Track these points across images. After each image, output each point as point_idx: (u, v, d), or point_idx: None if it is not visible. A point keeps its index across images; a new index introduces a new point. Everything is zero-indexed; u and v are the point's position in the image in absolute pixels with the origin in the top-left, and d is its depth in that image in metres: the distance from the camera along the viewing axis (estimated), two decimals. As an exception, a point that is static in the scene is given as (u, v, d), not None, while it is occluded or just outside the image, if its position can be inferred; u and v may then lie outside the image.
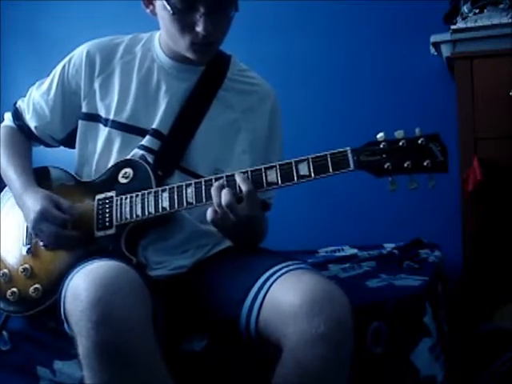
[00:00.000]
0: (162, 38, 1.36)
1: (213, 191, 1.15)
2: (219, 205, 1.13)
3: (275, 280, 1.11)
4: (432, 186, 1.08)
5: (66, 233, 1.27)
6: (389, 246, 1.92)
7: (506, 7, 1.79)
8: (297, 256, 1.43)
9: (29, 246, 1.33)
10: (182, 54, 1.29)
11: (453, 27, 1.82)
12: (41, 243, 1.30)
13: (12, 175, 1.36)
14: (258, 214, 1.18)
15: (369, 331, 1.29)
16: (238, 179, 1.15)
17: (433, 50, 2.02)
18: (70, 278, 1.11)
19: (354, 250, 1.94)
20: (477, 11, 1.82)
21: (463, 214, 1.82)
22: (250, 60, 1.47)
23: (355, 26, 2.27)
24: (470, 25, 1.80)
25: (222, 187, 1.15)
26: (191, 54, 1.26)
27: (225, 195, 1.13)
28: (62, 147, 1.49)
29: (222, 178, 1.17)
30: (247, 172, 1.16)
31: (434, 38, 1.90)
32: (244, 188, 1.14)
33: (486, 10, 1.81)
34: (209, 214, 1.16)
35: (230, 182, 1.16)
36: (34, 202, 1.28)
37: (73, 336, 1.04)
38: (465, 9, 1.85)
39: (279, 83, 1.52)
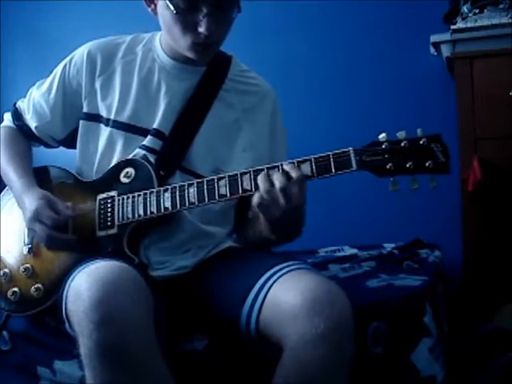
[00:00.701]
0: (163, 38, 1.36)
1: (260, 178, 1.12)
2: (268, 191, 1.11)
3: (276, 280, 1.11)
4: (433, 187, 1.08)
5: (58, 235, 1.26)
6: (389, 246, 1.92)
7: (506, 7, 1.79)
8: (297, 256, 1.43)
9: (30, 246, 1.32)
10: (183, 54, 1.29)
11: (453, 27, 1.83)
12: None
13: (12, 176, 1.36)
14: (304, 203, 1.16)
15: (369, 331, 1.29)
16: (288, 168, 1.12)
17: (433, 50, 2.02)
18: (71, 277, 1.12)
19: (354, 250, 1.94)
20: (477, 11, 1.82)
21: (463, 214, 1.82)
22: (251, 60, 1.46)
23: (355, 26, 2.27)
24: (470, 25, 1.80)
25: (270, 174, 1.12)
26: (192, 53, 1.26)
27: (278, 178, 1.10)
28: (62, 147, 1.49)
29: (224, 177, 1.17)
30: (249, 172, 1.16)
31: (433, 38, 1.90)
32: (296, 174, 1.11)
33: (486, 10, 1.81)
34: (255, 198, 1.13)
35: (232, 182, 1.16)
36: (31, 201, 1.27)
37: (74, 336, 1.04)
38: (465, 9, 1.85)
39: (280, 84, 1.53)
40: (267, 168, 1.14)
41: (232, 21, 1.25)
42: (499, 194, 1.75)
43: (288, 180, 1.11)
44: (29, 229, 1.28)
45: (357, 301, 1.10)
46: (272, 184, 1.11)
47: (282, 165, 1.14)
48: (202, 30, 1.19)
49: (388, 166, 1.09)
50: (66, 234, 1.27)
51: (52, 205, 1.27)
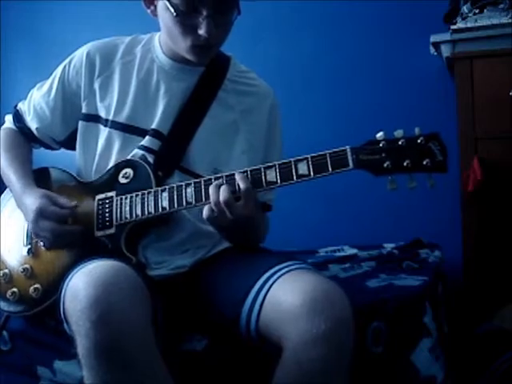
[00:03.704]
0: (162, 39, 1.36)
1: (211, 189, 1.15)
2: (216, 203, 1.14)
3: (276, 280, 1.11)
4: (431, 186, 1.08)
5: (65, 228, 1.26)
6: (389, 246, 1.93)
7: (506, 7, 1.79)
8: (297, 256, 1.43)
9: (29, 247, 1.33)
10: (181, 55, 1.29)
11: (453, 27, 1.83)
12: (41, 243, 1.31)
13: (12, 178, 1.36)
14: (255, 214, 1.18)
15: (369, 331, 1.29)
16: (238, 177, 1.15)
17: (433, 50, 2.02)
18: (69, 277, 1.12)
19: (354, 250, 1.94)
20: (477, 11, 1.82)
21: (463, 214, 1.82)
22: (251, 61, 1.47)
23: (355, 26, 2.27)
24: (469, 25, 1.80)
25: (220, 185, 1.15)
26: (191, 55, 1.26)
27: (223, 192, 1.13)
28: (62, 149, 1.49)
29: (221, 177, 1.17)
30: (247, 171, 1.16)
31: (433, 38, 1.90)
32: (242, 186, 1.14)
33: (485, 10, 1.81)
34: (205, 211, 1.16)
35: (229, 182, 1.16)
36: (33, 201, 1.28)
37: (72, 336, 1.04)
38: (465, 9, 1.85)
39: (279, 84, 1.53)
40: (225, 176, 1.16)
41: (232, 23, 1.25)
42: (499, 194, 1.75)
43: (237, 191, 1.13)
44: (35, 227, 1.27)
45: (357, 301, 1.10)
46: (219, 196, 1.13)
47: (233, 174, 1.16)
48: (201, 32, 1.19)
49: (385, 165, 1.09)
50: (72, 226, 1.27)
51: (53, 200, 1.28)
